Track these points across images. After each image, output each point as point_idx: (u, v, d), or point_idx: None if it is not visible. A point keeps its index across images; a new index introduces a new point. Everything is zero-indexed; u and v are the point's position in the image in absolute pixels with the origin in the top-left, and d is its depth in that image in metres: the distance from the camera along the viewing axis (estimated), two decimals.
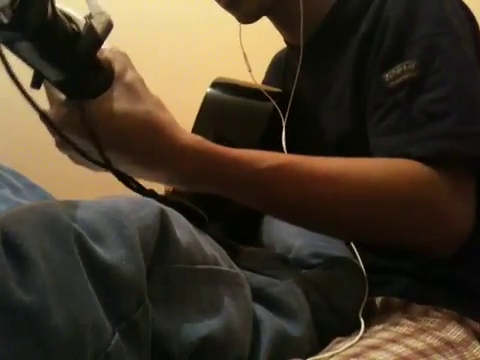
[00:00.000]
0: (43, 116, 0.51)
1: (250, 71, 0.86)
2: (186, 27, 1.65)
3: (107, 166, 0.52)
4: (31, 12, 0.42)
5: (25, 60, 0.48)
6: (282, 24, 0.86)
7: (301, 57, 0.80)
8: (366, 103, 0.70)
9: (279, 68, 0.96)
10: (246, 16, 0.80)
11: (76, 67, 0.49)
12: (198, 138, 0.57)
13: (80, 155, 0.52)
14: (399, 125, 0.65)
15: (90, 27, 0.49)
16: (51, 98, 0.54)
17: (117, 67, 0.53)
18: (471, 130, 0.63)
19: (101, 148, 0.51)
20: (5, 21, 0.41)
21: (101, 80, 0.53)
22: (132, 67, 0.54)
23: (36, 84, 0.50)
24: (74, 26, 0.49)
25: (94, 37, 0.49)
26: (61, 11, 0.47)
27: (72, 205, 0.41)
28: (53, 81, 0.51)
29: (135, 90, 0.53)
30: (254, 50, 0.85)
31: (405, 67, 0.66)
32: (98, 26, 0.49)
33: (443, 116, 0.63)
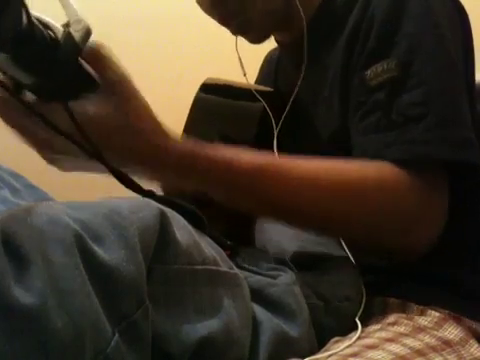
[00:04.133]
0: (37, 113, 0.50)
1: (245, 75, 0.86)
2: (186, 27, 1.65)
3: (106, 163, 0.52)
4: (5, 23, 0.41)
5: (2, 71, 0.47)
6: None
7: (305, 59, 0.79)
8: (349, 100, 0.71)
9: (272, 66, 0.96)
10: (258, 39, 0.81)
11: (56, 76, 0.48)
12: (185, 143, 0.58)
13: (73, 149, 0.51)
14: (377, 126, 0.66)
15: (68, 35, 0.48)
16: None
17: (99, 68, 0.53)
18: (446, 134, 0.63)
19: (90, 139, 0.50)
20: None
21: (84, 84, 0.52)
22: (118, 68, 0.54)
23: (17, 93, 0.50)
24: (51, 33, 0.48)
25: (73, 45, 0.48)
26: (37, 19, 0.46)
27: (72, 206, 0.41)
28: (32, 89, 0.50)
29: (121, 90, 0.53)
30: (250, 53, 0.85)
31: (386, 66, 0.66)
32: (76, 34, 0.48)
33: (419, 119, 0.63)
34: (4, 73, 0.48)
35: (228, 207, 0.62)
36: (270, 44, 0.91)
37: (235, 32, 0.80)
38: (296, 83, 0.81)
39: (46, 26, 0.48)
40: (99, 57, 0.53)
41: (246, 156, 0.61)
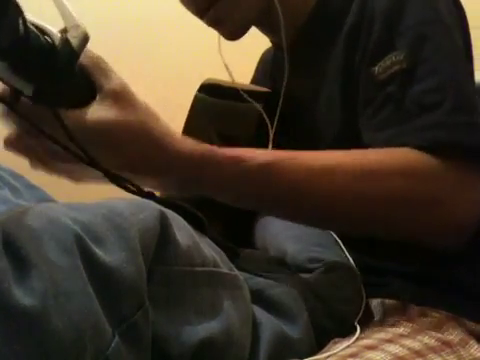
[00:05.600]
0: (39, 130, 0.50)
1: (231, 82, 0.86)
2: (185, 27, 1.65)
3: (104, 171, 0.51)
4: (1, 31, 0.41)
5: (0, 79, 0.47)
6: (267, 28, 0.86)
7: (286, 64, 0.79)
8: (356, 98, 0.69)
9: (267, 66, 0.96)
10: (232, 33, 0.80)
11: (53, 82, 0.48)
12: (193, 145, 0.57)
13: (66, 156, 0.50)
14: (393, 118, 0.64)
15: (66, 41, 0.47)
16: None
17: (98, 75, 0.52)
18: (464, 119, 0.62)
19: (83, 148, 0.50)
20: None
21: (81, 91, 0.52)
22: (114, 72, 0.54)
23: (14, 101, 0.49)
24: (48, 39, 0.47)
25: (70, 52, 0.48)
26: (33, 24, 0.46)
27: (72, 207, 0.41)
28: (30, 96, 0.49)
29: (123, 98, 0.53)
30: (237, 56, 0.86)
31: (394, 58, 0.65)
32: (73, 40, 0.48)
33: (436, 106, 0.62)
34: (2, 81, 0.47)
35: (239, 208, 0.61)
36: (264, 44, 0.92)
37: (209, 23, 0.79)
38: (294, 83, 0.81)
39: (43, 32, 0.47)
40: (99, 65, 0.53)
41: (258, 151, 0.60)
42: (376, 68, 0.66)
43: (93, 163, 0.50)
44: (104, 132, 0.51)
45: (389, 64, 0.65)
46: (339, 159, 0.61)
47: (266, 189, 0.60)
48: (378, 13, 0.68)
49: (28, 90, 0.48)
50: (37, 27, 0.47)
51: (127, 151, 0.53)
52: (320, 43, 0.77)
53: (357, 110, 0.69)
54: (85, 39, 0.49)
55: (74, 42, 0.48)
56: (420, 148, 0.60)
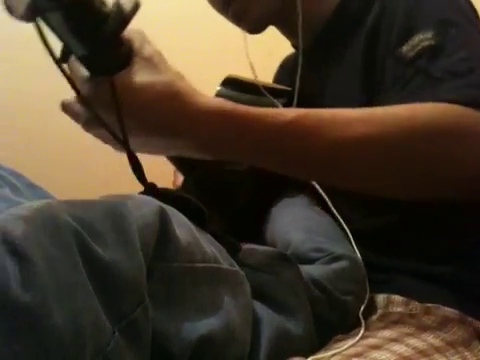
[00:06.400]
0: (77, 92, 0.52)
1: (253, 79, 0.86)
2: (186, 27, 1.65)
3: (126, 146, 0.53)
4: None
5: (55, 31, 0.49)
6: (288, 30, 0.87)
7: (300, 60, 0.80)
8: (379, 92, 0.69)
9: (287, 70, 0.97)
10: (254, 26, 0.82)
11: (102, 43, 0.50)
12: (219, 101, 0.57)
13: (104, 130, 0.52)
14: (424, 86, 0.62)
15: (118, 6, 0.49)
16: (75, 74, 0.54)
17: (136, 43, 0.54)
18: None
19: (123, 124, 0.52)
20: None
21: (123, 56, 0.53)
22: (149, 42, 0.55)
23: (64, 58, 0.52)
24: (103, 1, 0.49)
25: (121, 16, 0.50)
26: None
27: (71, 204, 0.41)
28: (79, 56, 0.51)
29: (154, 63, 0.54)
30: (260, 58, 0.87)
31: (422, 36, 0.65)
32: (126, 5, 0.50)
33: (467, 73, 0.61)
34: (58, 36, 0.49)
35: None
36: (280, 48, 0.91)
37: (232, 19, 0.81)
38: (313, 84, 0.81)
39: None
40: (139, 33, 0.55)
41: (282, 110, 0.60)
42: (404, 47, 0.65)
43: (123, 142, 0.52)
44: (136, 93, 0.52)
45: (417, 42, 0.65)
46: (365, 112, 0.59)
47: (297, 142, 0.56)
48: (399, 10, 0.69)
49: (77, 48, 0.50)
50: None
51: (158, 109, 0.53)
52: (339, 46, 0.78)
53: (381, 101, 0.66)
54: (137, 5, 0.50)
55: (126, 7, 0.50)
56: (453, 102, 0.57)
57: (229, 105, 0.56)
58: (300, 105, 0.79)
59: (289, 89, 0.87)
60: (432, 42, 0.64)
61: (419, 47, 0.64)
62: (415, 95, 0.61)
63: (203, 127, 0.54)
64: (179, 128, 0.54)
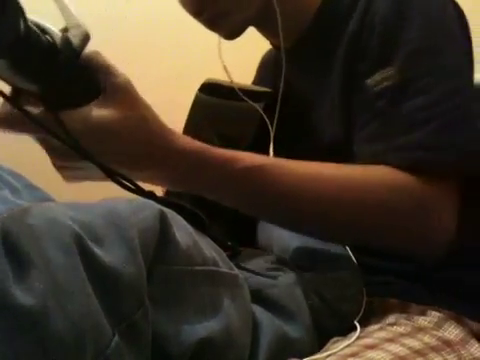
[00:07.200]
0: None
1: (231, 82, 0.86)
2: (185, 27, 1.65)
3: (107, 171, 0.52)
4: (2, 29, 0.41)
5: (2, 78, 0.47)
6: (267, 30, 0.85)
7: (284, 63, 0.79)
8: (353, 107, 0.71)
9: (268, 68, 0.96)
10: (231, 34, 0.79)
11: (55, 81, 0.48)
12: (187, 139, 0.58)
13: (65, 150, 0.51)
14: (379, 134, 0.65)
15: (66, 40, 0.48)
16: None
17: (102, 74, 0.53)
18: (449, 140, 0.63)
19: (88, 153, 0.51)
20: None
21: (85, 89, 0.52)
22: (116, 70, 0.54)
23: (15, 100, 0.49)
24: (49, 38, 0.48)
25: (71, 50, 0.48)
26: (34, 23, 0.46)
27: (72, 207, 0.41)
28: (32, 95, 0.50)
29: (125, 95, 0.53)
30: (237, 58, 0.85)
31: (386, 73, 0.65)
32: (74, 39, 0.48)
33: (423, 125, 0.63)
34: (4, 80, 0.48)
35: (232, 207, 0.62)
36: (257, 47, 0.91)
37: (207, 26, 0.79)
38: (295, 84, 0.81)
39: (44, 31, 0.48)
40: (100, 63, 0.53)
41: (248, 154, 0.61)
42: (369, 81, 0.67)
43: (88, 156, 0.51)
44: (105, 127, 0.52)
45: (380, 79, 0.66)
46: (327, 168, 0.64)
47: (250, 191, 0.61)
48: (377, 22, 0.68)
49: (29, 88, 0.48)
50: (38, 26, 0.47)
51: (127, 144, 0.54)
52: (322, 46, 0.77)
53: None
54: (86, 38, 0.49)
55: (75, 41, 0.48)
56: (402, 168, 0.62)
57: (197, 147, 0.58)
58: (283, 106, 0.81)
59: (269, 90, 0.86)
60: (395, 81, 0.65)
61: (382, 86, 0.66)
62: (369, 144, 0.66)
63: (172, 165, 0.57)
64: (149, 164, 0.56)
